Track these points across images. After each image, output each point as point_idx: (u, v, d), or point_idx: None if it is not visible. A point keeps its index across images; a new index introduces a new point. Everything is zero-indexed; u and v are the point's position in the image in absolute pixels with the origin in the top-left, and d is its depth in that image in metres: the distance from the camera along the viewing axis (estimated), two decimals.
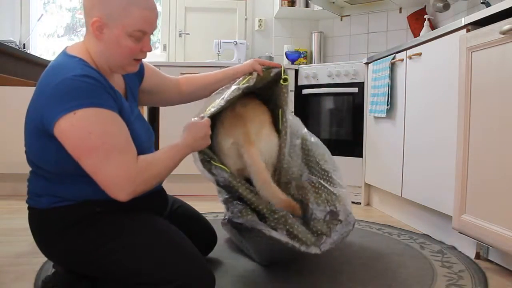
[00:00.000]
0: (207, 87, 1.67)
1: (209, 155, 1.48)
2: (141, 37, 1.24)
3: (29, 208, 1.32)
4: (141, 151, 1.24)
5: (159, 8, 1.35)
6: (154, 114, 3.33)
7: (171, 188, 1.54)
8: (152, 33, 1.29)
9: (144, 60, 1.42)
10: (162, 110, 3.20)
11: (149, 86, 1.56)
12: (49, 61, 2.00)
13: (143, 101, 1.60)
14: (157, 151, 1.30)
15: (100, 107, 1.16)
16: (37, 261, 1.68)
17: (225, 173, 1.48)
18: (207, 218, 1.73)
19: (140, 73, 1.52)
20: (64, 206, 1.24)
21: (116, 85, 1.34)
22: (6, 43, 1.75)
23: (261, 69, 1.65)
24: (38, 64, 1.94)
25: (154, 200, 1.43)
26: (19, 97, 3.17)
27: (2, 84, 2.96)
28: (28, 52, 3.08)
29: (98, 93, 1.17)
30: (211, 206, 2.55)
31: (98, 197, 1.23)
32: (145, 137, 1.36)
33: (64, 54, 1.28)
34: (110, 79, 1.31)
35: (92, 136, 1.13)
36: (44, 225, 1.28)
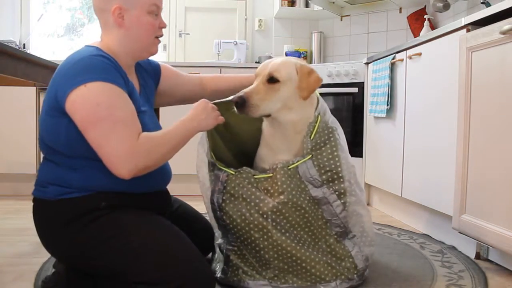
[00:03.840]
0: (237, 88, 1.60)
1: (214, 160, 1.48)
2: (157, 12, 1.37)
3: (34, 199, 1.34)
4: None
5: None
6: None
7: (171, 188, 1.54)
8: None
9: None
10: (162, 110, 3.20)
11: (168, 87, 1.61)
12: (49, 61, 2.01)
13: (165, 102, 1.66)
14: None
15: (110, 82, 1.22)
16: (37, 261, 1.68)
17: (225, 172, 1.44)
18: (207, 218, 1.73)
19: (157, 74, 1.58)
20: (70, 198, 1.26)
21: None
22: (6, 43, 1.74)
23: None
24: (38, 64, 1.94)
25: (157, 200, 1.44)
26: (19, 97, 3.19)
27: (2, 84, 2.97)
28: (28, 52, 3.08)
29: (110, 70, 1.24)
30: None
31: (105, 188, 1.26)
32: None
33: (83, 46, 1.36)
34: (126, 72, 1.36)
35: (99, 108, 1.18)
36: (49, 217, 1.29)
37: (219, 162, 1.49)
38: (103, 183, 1.26)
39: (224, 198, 1.42)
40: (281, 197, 1.38)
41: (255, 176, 1.42)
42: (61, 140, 1.26)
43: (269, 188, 1.40)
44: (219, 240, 1.52)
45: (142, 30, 1.35)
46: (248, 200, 1.39)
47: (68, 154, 1.27)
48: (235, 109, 1.39)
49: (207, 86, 1.69)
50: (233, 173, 1.43)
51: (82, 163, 1.27)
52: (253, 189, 1.40)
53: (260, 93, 1.40)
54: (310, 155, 1.42)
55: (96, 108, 1.18)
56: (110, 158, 1.18)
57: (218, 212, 1.44)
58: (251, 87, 1.42)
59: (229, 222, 1.41)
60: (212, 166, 1.48)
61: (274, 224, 1.37)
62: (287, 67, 1.44)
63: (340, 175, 1.42)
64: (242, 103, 1.37)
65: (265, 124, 1.55)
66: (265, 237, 1.37)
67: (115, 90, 1.22)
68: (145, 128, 1.28)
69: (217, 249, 1.53)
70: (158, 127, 1.46)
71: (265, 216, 1.37)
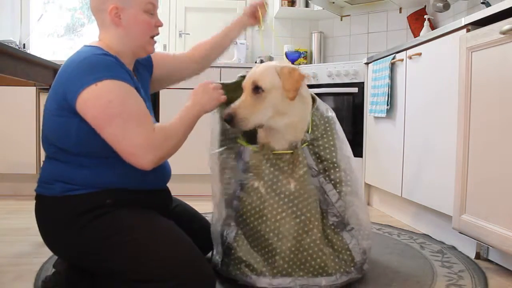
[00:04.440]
0: (217, 43, 1.73)
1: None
2: (153, 11, 1.39)
3: (37, 196, 1.34)
4: None
5: (159, 8, 1.42)
6: (153, 105, 3.32)
7: (171, 188, 1.54)
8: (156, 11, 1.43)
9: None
10: (162, 102, 3.20)
11: (162, 73, 1.64)
12: (49, 61, 2.01)
13: (160, 87, 1.70)
14: None
15: (120, 79, 1.24)
16: (37, 261, 1.68)
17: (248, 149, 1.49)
18: (207, 218, 1.74)
19: (150, 66, 1.60)
20: (75, 195, 1.27)
21: None
22: (6, 43, 1.75)
23: (263, 2, 1.81)
24: (38, 64, 1.94)
25: (160, 198, 1.46)
26: (19, 97, 3.19)
27: (2, 84, 2.97)
28: (28, 52, 3.09)
29: (117, 69, 1.26)
30: (211, 206, 2.54)
31: (110, 186, 1.28)
32: None
33: (82, 46, 1.36)
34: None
35: (112, 105, 1.20)
36: (52, 214, 1.29)
37: (240, 138, 1.52)
38: (109, 180, 1.28)
39: (247, 176, 1.45)
40: (301, 172, 1.41)
41: (273, 152, 1.44)
42: (71, 139, 1.27)
43: (286, 167, 1.43)
44: (219, 228, 1.51)
45: (139, 28, 1.36)
46: (266, 178, 1.42)
47: (76, 152, 1.28)
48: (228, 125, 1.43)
49: (195, 57, 1.71)
50: (255, 149, 1.46)
51: (90, 160, 1.28)
52: (272, 168, 1.43)
53: (247, 106, 1.40)
54: (306, 143, 1.46)
55: (109, 105, 1.20)
56: (130, 150, 1.21)
57: (238, 191, 1.46)
58: (238, 101, 1.42)
59: (248, 203, 1.43)
60: (223, 141, 1.52)
61: (290, 205, 1.40)
62: (268, 73, 1.43)
63: (336, 164, 1.45)
64: (231, 120, 1.38)
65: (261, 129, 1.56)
66: (278, 217, 1.39)
67: (125, 87, 1.25)
68: None
69: (219, 240, 1.51)
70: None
71: (282, 195, 1.40)
